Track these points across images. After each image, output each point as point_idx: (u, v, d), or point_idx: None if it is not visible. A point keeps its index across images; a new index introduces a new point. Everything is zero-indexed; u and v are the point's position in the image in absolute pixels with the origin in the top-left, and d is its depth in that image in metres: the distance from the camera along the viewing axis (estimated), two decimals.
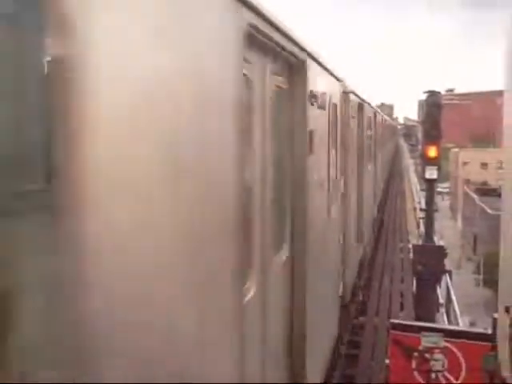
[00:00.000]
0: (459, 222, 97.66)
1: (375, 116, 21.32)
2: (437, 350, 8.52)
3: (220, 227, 3.36)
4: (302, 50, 5.86)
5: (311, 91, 6.30)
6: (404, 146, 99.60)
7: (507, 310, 5.76)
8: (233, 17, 3.62)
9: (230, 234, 3.53)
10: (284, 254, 5.78)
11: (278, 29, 4.85)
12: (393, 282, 18.72)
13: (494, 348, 7.51)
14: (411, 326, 9.34)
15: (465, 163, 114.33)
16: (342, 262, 10.32)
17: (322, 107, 7.20)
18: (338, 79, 9.30)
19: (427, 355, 8.55)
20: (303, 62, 5.96)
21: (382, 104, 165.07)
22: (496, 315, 7.32)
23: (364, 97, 14.97)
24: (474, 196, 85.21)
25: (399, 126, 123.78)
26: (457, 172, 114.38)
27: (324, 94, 7.44)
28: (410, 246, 22.61)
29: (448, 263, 21.01)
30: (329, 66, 8.00)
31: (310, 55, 6.22)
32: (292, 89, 5.88)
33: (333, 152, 8.77)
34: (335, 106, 9.10)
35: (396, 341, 8.87)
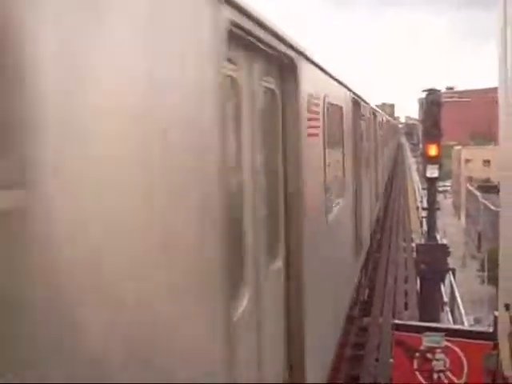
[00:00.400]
0: (462, 219, 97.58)
1: (382, 119, 27.60)
2: (438, 350, 8.50)
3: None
4: (362, 100, 13.08)
5: (361, 113, 13.23)
6: (406, 144, 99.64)
7: (507, 307, 5.74)
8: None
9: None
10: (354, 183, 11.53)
11: (358, 96, 12.07)
12: (397, 282, 18.68)
13: (496, 346, 7.46)
14: (414, 326, 9.34)
15: (467, 161, 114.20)
16: (371, 205, 15.74)
17: (363, 120, 13.81)
18: (367, 103, 15.58)
19: (429, 355, 8.54)
20: (360, 100, 12.52)
21: (383, 104, 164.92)
22: (497, 313, 7.28)
23: (374, 106, 21.19)
24: (477, 193, 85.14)
25: (400, 125, 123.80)
26: (459, 170, 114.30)
27: (365, 112, 14.36)
28: (414, 245, 22.56)
29: (452, 261, 20.93)
30: (366, 99, 14.79)
31: (362, 99, 13.25)
32: (356, 113, 11.82)
33: (366, 143, 15.12)
34: (368, 118, 15.72)
35: (399, 341, 8.87)
